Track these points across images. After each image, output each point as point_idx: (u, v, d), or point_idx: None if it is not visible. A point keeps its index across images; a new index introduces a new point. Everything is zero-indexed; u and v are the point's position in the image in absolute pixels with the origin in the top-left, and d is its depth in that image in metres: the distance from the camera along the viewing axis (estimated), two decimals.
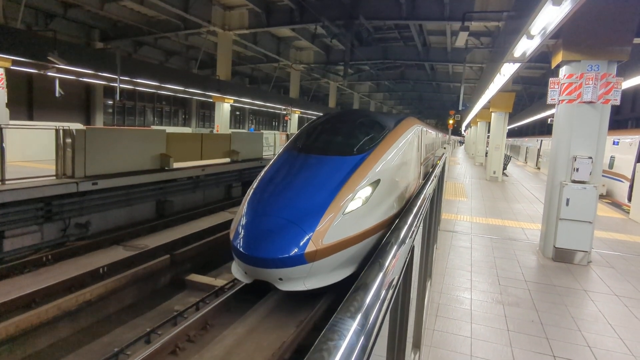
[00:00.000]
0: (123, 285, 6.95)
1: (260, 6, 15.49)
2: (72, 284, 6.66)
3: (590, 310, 4.62)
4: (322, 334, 0.80)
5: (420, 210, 2.10)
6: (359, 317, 0.85)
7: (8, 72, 9.71)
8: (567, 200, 6.18)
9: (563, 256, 6.29)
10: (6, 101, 9.72)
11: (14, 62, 9.72)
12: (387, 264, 1.17)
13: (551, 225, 6.43)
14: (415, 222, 1.80)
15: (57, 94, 13.67)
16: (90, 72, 12.19)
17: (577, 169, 6.14)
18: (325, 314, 5.54)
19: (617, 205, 12.44)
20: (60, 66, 10.38)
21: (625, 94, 6.46)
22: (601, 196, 13.32)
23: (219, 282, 7.27)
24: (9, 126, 9.25)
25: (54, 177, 8.63)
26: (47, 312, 5.77)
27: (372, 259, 1.23)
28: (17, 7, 12.68)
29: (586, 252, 6.21)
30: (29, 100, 18.81)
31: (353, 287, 1.02)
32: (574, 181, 6.20)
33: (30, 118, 18.69)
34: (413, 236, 1.63)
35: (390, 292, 1.05)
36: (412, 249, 1.65)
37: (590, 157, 6.10)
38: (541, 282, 5.41)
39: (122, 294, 6.91)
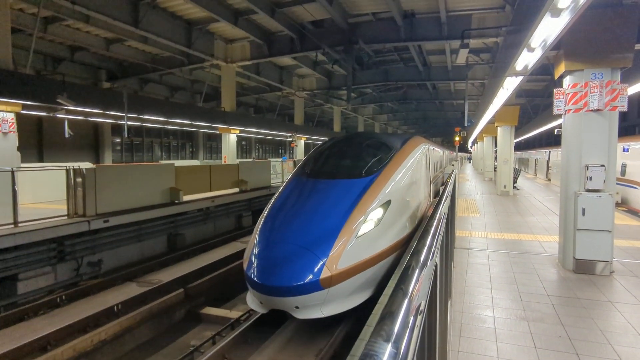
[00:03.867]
0: (138, 322, 6.87)
1: (261, 37, 15.83)
2: (86, 323, 6.60)
3: (618, 322, 4.46)
4: None
5: (437, 230, 2.06)
6: (390, 345, 0.81)
7: (18, 116, 9.91)
8: (583, 210, 6.07)
9: (584, 267, 6.14)
10: (17, 145, 9.89)
11: (25, 107, 9.94)
12: (410, 290, 1.13)
13: (569, 237, 6.30)
14: (435, 243, 1.76)
15: (66, 135, 13.92)
16: (98, 111, 12.43)
17: (590, 178, 6.05)
18: (345, 341, 5.40)
19: (633, 212, 12.22)
20: (69, 107, 10.59)
21: (630, 99, 6.43)
22: (616, 204, 13.12)
23: (234, 314, 7.16)
24: (21, 169, 9.38)
25: (66, 217, 8.68)
26: (62, 354, 5.70)
27: (395, 285, 1.19)
28: (26, 53, 13.08)
29: (607, 262, 6.05)
30: (39, 142, 19.18)
31: (380, 315, 0.98)
32: (588, 190, 6.10)
33: (41, 160, 19.01)
34: (434, 257, 1.59)
35: (419, 317, 1.01)
36: (436, 270, 1.60)
37: (603, 165, 6.02)
38: (564, 296, 5.26)
39: (137, 331, 6.82)
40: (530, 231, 9.22)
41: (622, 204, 14.44)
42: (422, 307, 1.09)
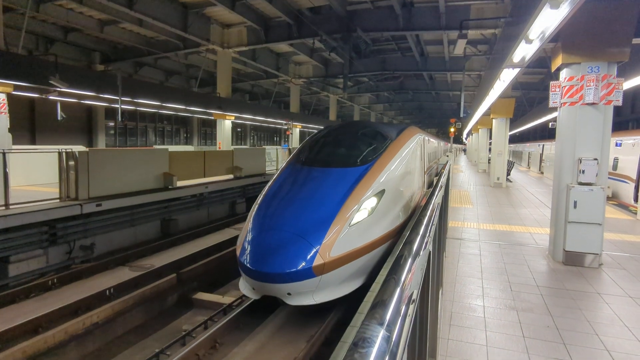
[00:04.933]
0: (130, 307, 6.88)
1: (259, 23, 15.63)
2: (78, 307, 6.61)
3: (605, 313, 4.54)
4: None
5: (430, 220, 2.06)
6: (382, 331, 0.81)
7: (10, 97, 9.77)
8: (575, 202, 6.13)
9: (573, 259, 6.22)
10: (8, 126, 9.76)
11: (16, 87, 9.79)
12: (403, 278, 1.13)
13: (560, 229, 6.37)
14: (428, 233, 1.76)
15: (59, 117, 13.75)
16: (91, 94, 12.27)
17: (583, 171, 6.10)
18: (336, 327, 5.46)
19: (623, 206, 12.35)
20: (62, 89, 10.45)
21: (625, 95, 6.45)
22: (607, 198, 13.26)
23: (226, 299, 7.19)
24: (12, 151, 9.28)
25: (58, 200, 8.62)
26: (53, 336, 5.70)
27: (387, 274, 1.19)
28: (18, 33, 12.84)
29: (597, 254, 6.13)
30: (31, 125, 18.93)
31: (371, 303, 0.98)
32: (580, 183, 6.15)
33: (33, 142, 18.79)
34: (427, 247, 1.59)
35: (412, 306, 1.02)
36: (428, 260, 1.61)
37: (596, 159, 6.07)
38: (553, 287, 5.33)
39: (129, 315, 6.83)
40: (521, 223, 9.30)
41: (613, 198, 14.58)
42: (414, 297, 1.10)
